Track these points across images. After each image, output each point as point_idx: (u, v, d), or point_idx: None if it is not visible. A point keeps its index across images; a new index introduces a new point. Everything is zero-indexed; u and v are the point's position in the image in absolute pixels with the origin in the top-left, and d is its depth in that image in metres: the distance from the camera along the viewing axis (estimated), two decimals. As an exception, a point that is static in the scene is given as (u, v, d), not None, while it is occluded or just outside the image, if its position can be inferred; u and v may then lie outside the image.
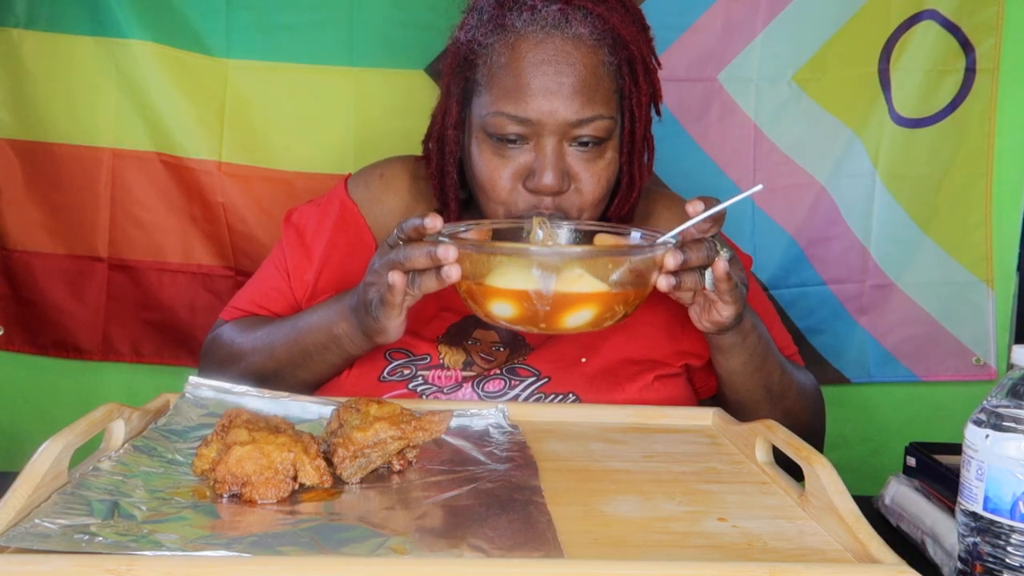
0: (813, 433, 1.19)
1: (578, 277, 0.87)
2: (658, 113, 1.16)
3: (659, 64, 1.14)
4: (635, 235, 1.01)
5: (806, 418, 1.18)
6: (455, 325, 1.15)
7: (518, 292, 0.88)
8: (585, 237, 1.04)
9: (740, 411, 1.09)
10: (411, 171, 1.24)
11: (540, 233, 1.01)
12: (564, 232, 1.04)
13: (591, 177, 1.07)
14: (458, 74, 1.11)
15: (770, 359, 1.11)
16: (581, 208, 1.09)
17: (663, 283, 0.92)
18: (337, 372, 1.11)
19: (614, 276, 0.89)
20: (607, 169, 1.09)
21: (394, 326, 0.99)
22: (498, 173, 1.07)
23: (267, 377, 1.10)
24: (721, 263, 0.94)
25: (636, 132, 1.11)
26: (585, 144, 1.07)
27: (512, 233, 1.04)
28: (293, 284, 1.20)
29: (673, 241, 0.93)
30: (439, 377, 1.11)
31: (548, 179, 1.05)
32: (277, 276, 1.22)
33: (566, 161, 1.06)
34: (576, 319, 0.88)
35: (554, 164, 1.05)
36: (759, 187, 0.95)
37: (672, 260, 0.91)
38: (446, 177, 1.15)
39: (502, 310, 0.89)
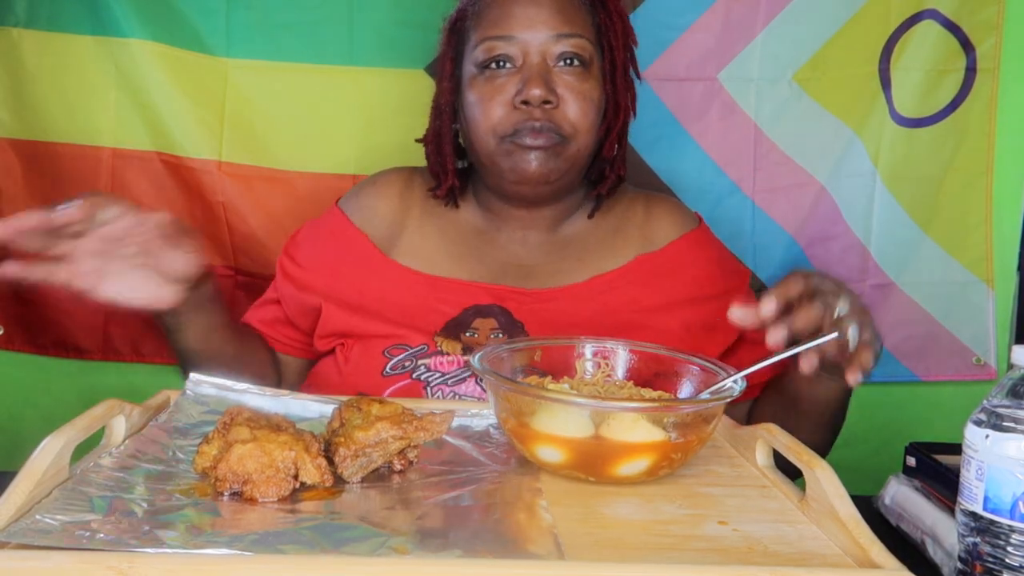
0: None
1: (633, 422, 0.80)
2: (636, 72, 1.23)
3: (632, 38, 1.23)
4: (694, 368, 0.93)
5: (830, 441, 1.19)
6: (453, 320, 1.16)
7: (564, 439, 0.80)
8: (640, 360, 0.97)
9: (784, 424, 0.92)
10: (404, 179, 1.28)
11: (590, 366, 0.95)
12: (620, 353, 0.96)
13: (577, 96, 1.14)
14: (452, 34, 1.20)
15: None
16: (572, 127, 1.14)
17: (805, 366, 0.90)
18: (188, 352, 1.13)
19: (672, 422, 0.81)
20: (593, 91, 1.16)
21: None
22: (489, 97, 1.14)
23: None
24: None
25: (616, 62, 1.18)
26: (570, 62, 1.14)
27: (561, 354, 0.97)
28: (285, 307, 1.26)
29: (738, 386, 0.85)
30: (440, 363, 1.12)
31: (535, 88, 1.11)
32: (274, 295, 1.28)
33: (552, 78, 1.13)
34: (630, 468, 0.80)
35: (540, 75, 1.12)
36: (834, 335, 0.90)
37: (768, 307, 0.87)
38: (443, 139, 1.22)
39: (549, 455, 0.81)
